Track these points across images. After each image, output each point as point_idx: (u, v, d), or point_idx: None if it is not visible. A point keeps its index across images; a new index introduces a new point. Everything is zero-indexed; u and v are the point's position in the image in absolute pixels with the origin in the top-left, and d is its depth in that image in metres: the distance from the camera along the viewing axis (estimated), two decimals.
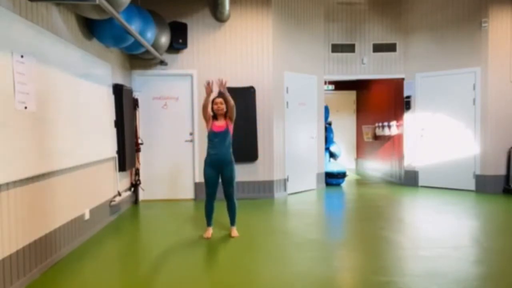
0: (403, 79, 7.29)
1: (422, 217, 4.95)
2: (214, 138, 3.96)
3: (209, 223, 4.14)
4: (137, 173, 5.83)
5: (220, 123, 3.98)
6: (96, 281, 2.95)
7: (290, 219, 4.94)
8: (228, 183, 4.03)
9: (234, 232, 4.11)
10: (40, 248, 3.11)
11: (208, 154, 4.00)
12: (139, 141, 5.83)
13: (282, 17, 6.32)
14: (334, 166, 7.42)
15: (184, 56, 5.97)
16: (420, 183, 7.09)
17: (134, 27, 4.24)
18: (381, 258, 3.39)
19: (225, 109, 3.96)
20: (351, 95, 9.95)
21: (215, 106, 3.97)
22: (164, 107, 6.03)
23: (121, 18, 3.76)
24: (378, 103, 8.65)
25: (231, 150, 4.03)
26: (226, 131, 3.96)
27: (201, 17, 5.97)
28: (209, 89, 3.91)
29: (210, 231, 4.10)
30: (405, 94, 7.28)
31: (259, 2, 6.04)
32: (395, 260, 3.34)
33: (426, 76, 6.98)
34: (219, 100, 3.96)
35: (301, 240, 3.95)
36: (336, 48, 7.21)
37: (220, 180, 4.06)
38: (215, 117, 4.02)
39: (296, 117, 6.60)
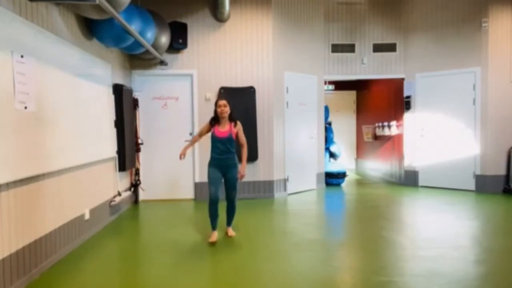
0: (403, 79, 7.29)
1: (422, 217, 4.95)
2: (217, 143, 3.84)
3: (214, 227, 3.91)
4: (137, 173, 5.83)
5: (223, 129, 3.82)
6: (96, 281, 2.95)
7: (290, 219, 4.93)
8: (232, 186, 3.92)
9: (231, 231, 4.08)
10: (40, 248, 3.11)
11: (212, 158, 3.89)
12: (139, 141, 5.83)
13: (282, 17, 6.32)
14: (334, 166, 7.42)
15: (184, 56, 5.97)
16: (420, 183, 7.09)
17: (134, 27, 4.24)
18: (381, 258, 3.39)
19: (229, 111, 3.80)
20: (351, 95, 9.95)
21: (218, 109, 3.79)
22: (164, 107, 6.03)
23: (121, 18, 3.76)
24: (378, 103, 8.65)
25: (235, 154, 3.91)
26: (229, 137, 3.81)
27: (201, 17, 5.97)
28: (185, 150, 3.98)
29: (215, 235, 3.89)
30: (405, 94, 7.28)
31: (259, 2, 6.04)
32: (395, 260, 3.34)
33: (426, 76, 6.98)
34: (223, 102, 3.79)
35: (301, 240, 3.94)
36: (336, 48, 7.21)
37: (223, 182, 3.96)
38: (217, 121, 3.86)
39: (296, 117, 6.59)
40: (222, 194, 4.17)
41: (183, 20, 5.87)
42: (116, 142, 4.97)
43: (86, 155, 4.02)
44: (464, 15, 6.48)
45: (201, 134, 4.05)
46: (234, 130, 3.85)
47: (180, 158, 3.95)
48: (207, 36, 5.98)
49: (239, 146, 3.94)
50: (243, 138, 3.93)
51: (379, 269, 3.11)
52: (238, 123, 3.90)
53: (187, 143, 4.26)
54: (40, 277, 3.03)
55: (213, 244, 3.78)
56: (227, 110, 3.79)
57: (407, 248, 3.63)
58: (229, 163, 3.87)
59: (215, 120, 3.87)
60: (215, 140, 3.85)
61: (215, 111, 3.84)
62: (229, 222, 4.10)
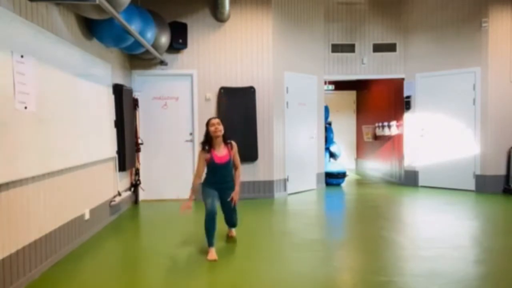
0: (403, 79, 7.28)
1: (422, 217, 4.95)
2: (217, 169, 3.53)
3: (211, 243, 3.43)
4: (137, 173, 5.83)
5: (221, 153, 3.51)
6: (96, 281, 2.95)
7: (290, 219, 4.94)
8: (232, 210, 3.70)
9: (232, 232, 4.04)
10: (40, 248, 3.11)
11: (208, 180, 3.60)
12: (139, 141, 5.83)
13: (282, 17, 6.32)
14: (334, 166, 7.42)
15: (184, 56, 5.97)
16: (420, 183, 7.09)
17: (134, 27, 4.24)
18: (381, 258, 3.39)
19: (222, 131, 3.48)
20: (351, 95, 9.95)
21: (212, 128, 3.45)
22: (164, 107, 6.03)
23: (121, 18, 3.76)
24: (378, 103, 8.65)
25: (233, 177, 3.68)
26: (229, 162, 3.55)
27: (201, 17, 5.97)
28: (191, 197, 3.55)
29: (214, 252, 3.42)
30: (405, 94, 7.28)
31: (259, 2, 6.04)
32: (395, 260, 3.34)
33: (426, 76, 6.97)
34: (216, 121, 3.48)
35: (301, 240, 3.94)
36: (336, 48, 7.21)
37: (219, 204, 3.63)
38: (210, 143, 3.50)
39: (296, 117, 6.59)
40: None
41: (183, 20, 5.87)
42: (116, 142, 4.97)
43: (86, 155, 4.02)
44: (464, 15, 6.48)
45: (201, 173, 3.56)
46: (232, 153, 3.58)
47: (182, 209, 3.52)
48: (207, 36, 5.98)
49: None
50: (238, 160, 3.67)
51: (379, 269, 3.11)
52: (234, 144, 3.64)
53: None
54: (40, 277, 3.03)
55: (215, 261, 3.34)
56: (221, 128, 3.46)
57: (407, 248, 3.63)
58: (229, 186, 3.63)
59: (208, 143, 3.51)
60: (215, 167, 3.51)
61: (207, 132, 3.49)
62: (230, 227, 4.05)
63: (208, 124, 3.52)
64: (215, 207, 3.44)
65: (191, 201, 3.55)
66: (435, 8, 6.82)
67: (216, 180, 3.59)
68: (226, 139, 3.58)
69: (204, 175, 3.65)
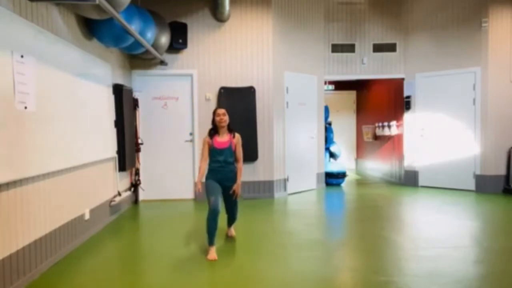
0: (403, 79, 7.29)
1: (422, 217, 4.95)
2: (217, 155, 3.59)
3: (212, 242, 3.47)
4: (137, 173, 5.83)
5: (223, 139, 3.61)
6: (96, 281, 2.95)
7: (290, 219, 4.94)
8: (233, 202, 3.77)
9: (232, 231, 4.05)
10: (40, 248, 3.11)
11: (210, 171, 3.64)
12: (139, 141, 5.83)
13: (282, 17, 6.32)
14: (334, 166, 7.42)
15: (184, 56, 5.97)
16: (420, 183, 7.09)
17: (134, 27, 4.24)
18: (381, 258, 3.39)
19: (227, 121, 3.61)
20: (351, 95, 9.95)
21: (217, 118, 3.58)
22: (164, 107, 6.03)
23: (121, 18, 3.76)
24: (378, 103, 8.65)
25: (235, 166, 3.71)
26: (229, 148, 3.61)
27: (201, 17, 5.97)
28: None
29: (214, 251, 3.45)
30: (405, 94, 7.28)
31: (259, 2, 6.04)
32: (395, 260, 3.34)
33: (426, 76, 6.97)
34: (222, 111, 3.60)
35: (301, 240, 3.94)
36: (336, 48, 7.21)
37: (222, 198, 3.68)
38: (216, 131, 3.64)
39: (296, 117, 6.59)
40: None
41: (183, 20, 5.86)
42: (116, 142, 4.97)
43: (86, 155, 4.02)
44: (464, 15, 6.48)
45: (206, 156, 3.64)
46: (234, 141, 3.65)
47: (199, 190, 3.52)
48: (207, 36, 5.98)
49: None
50: (240, 153, 3.71)
51: (379, 269, 3.11)
52: (237, 135, 3.70)
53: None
54: (40, 277, 3.03)
55: (214, 261, 3.36)
56: (226, 119, 3.59)
57: (407, 248, 3.63)
58: (229, 176, 3.65)
59: (214, 130, 3.65)
60: (214, 152, 3.60)
61: (213, 121, 3.63)
62: (230, 225, 4.06)
63: (214, 113, 3.65)
64: (219, 206, 3.47)
65: (200, 183, 3.55)
66: (435, 8, 6.82)
67: (217, 167, 3.62)
68: (230, 130, 3.69)
69: (206, 170, 3.69)
